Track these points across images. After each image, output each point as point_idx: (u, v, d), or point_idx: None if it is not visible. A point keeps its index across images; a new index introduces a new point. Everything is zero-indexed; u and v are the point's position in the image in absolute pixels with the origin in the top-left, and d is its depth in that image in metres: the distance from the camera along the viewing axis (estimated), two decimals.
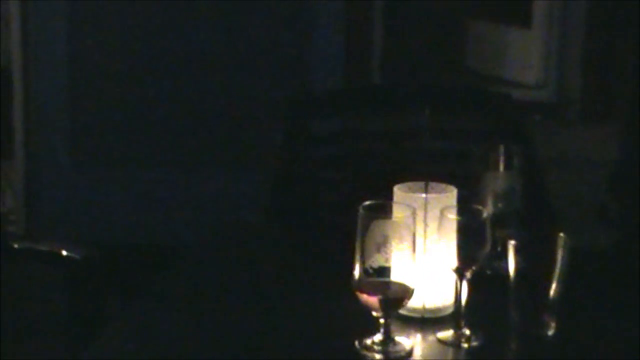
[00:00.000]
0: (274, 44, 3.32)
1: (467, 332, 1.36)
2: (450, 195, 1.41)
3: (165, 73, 3.31)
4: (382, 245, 1.31)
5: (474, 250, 1.33)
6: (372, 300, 1.31)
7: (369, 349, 1.33)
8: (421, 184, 1.44)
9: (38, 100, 3.30)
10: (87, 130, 3.32)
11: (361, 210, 1.32)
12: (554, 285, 1.35)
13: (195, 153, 3.34)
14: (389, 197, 1.42)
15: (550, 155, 3.06)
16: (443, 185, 1.43)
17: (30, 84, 3.29)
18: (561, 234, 1.35)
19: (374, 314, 1.32)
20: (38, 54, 3.27)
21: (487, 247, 1.33)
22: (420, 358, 1.35)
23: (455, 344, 1.36)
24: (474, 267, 1.34)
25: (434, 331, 1.38)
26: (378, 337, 1.33)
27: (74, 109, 3.31)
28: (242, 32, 3.31)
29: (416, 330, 1.40)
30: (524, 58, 4.11)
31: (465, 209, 1.36)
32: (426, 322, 1.41)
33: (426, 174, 1.47)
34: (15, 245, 1.91)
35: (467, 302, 1.35)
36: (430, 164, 2.05)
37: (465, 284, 1.35)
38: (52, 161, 3.31)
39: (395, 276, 1.32)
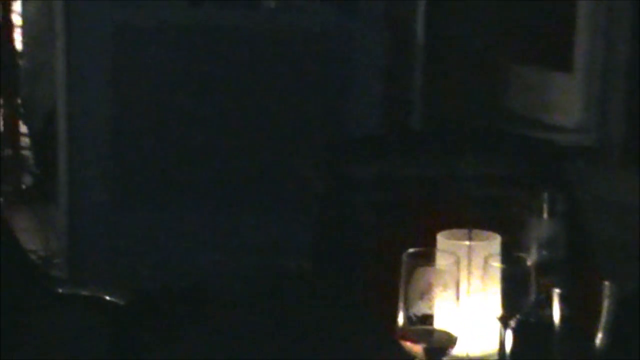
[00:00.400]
0: (313, 89, 3.34)
1: None
2: (493, 243, 1.41)
3: (206, 116, 3.34)
4: (426, 292, 1.31)
5: (518, 298, 1.32)
6: (416, 348, 1.31)
7: None
8: (464, 231, 1.44)
9: (81, 144, 3.33)
10: (129, 173, 3.35)
11: (405, 258, 1.31)
12: (599, 334, 1.33)
13: (236, 197, 3.36)
14: (432, 243, 1.42)
15: (593, 200, 3.04)
16: (486, 233, 1.43)
17: (74, 127, 3.32)
18: (606, 282, 1.34)
19: None
20: (81, 98, 3.30)
21: (532, 296, 1.32)
22: None
23: None
24: (518, 316, 1.33)
25: None
26: None
27: (116, 152, 3.34)
28: (281, 76, 3.33)
29: None
30: (565, 102, 4.10)
31: (509, 256, 1.35)
32: None
33: (468, 220, 1.46)
34: (60, 290, 1.93)
35: (511, 350, 1.34)
36: (473, 210, 2.04)
37: (509, 333, 1.34)
38: (94, 204, 3.33)
39: (439, 324, 1.31)
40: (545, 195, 1.56)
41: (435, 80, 4.00)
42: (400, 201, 2.12)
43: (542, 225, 1.54)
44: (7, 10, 4.53)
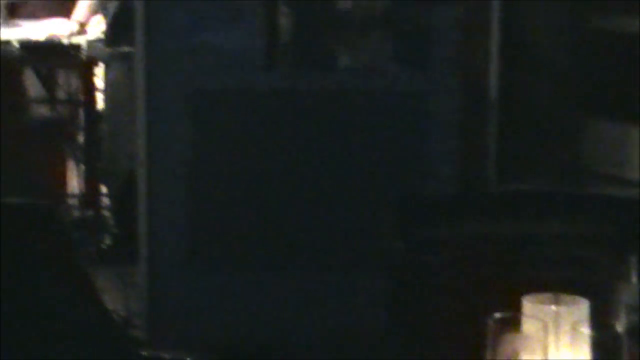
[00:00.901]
0: (388, 148, 3.35)
1: None
2: (581, 308, 1.38)
3: (282, 177, 3.36)
4: (512, 359, 1.29)
5: None
6: None
7: None
8: (550, 295, 1.41)
9: (160, 205, 3.37)
10: (207, 233, 3.38)
11: (490, 323, 1.30)
12: None
13: (311, 256, 3.36)
14: (515, 307, 1.40)
15: None
16: (573, 297, 1.40)
17: (153, 189, 3.37)
18: None
19: None
20: (160, 159, 3.35)
21: None
22: None
23: None
24: None
25: None
26: None
27: (195, 213, 3.37)
28: (356, 137, 3.35)
29: None
30: None
31: (598, 322, 1.33)
32: None
33: (552, 283, 1.44)
34: (143, 353, 1.94)
35: None
36: (556, 272, 2.01)
37: None
38: (174, 265, 3.36)
39: None
40: (634, 257, 1.53)
41: (510, 137, 3.97)
42: (480, 263, 2.09)
43: (631, 289, 1.51)
44: (90, 74, 4.64)
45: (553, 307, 1.39)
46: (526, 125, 4.17)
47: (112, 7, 4.52)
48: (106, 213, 4.58)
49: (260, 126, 3.34)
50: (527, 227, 2.05)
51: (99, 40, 4.52)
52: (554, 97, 3.97)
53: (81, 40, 4.48)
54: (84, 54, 4.48)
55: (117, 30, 4.48)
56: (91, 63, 4.58)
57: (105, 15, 4.54)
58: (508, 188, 3.56)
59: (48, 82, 5.20)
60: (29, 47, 4.45)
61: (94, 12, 4.58)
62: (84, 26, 4.50)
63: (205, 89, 3.32)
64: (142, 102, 3.35)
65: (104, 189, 4.64)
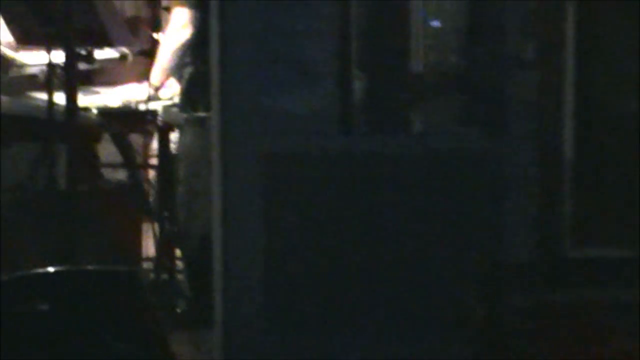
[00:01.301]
0: (465, 213, 3.33)
1: None
2: None
3: (359, 242, 3.36)
4: None
5: None
6: None
7: None
8: None
9: (235, 268, 3.38)
10: (283, 297, 3.38)
11: None
12: None
13: (391, 322, 3.34)
14: None
15: None
16: None
17: (228, 253, 3.38)
18: None
19: None
20: (235, 224, 3.37)
21: None
22: None
23: None
24: None
25: None
26: None
27: (270, 277, 3.38)
28: (432, 200, 3.34)
29: None
30: None
31: None
32: None
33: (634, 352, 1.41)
34: None
35: None
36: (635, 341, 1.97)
37: None
38: (249, 329, 3.36)
39: None
40: None
41: (586, 201, 3.92)
42: (558, 329, 2.07)
43: None
44: (166, 139, 4.71)
45: None
46: (602, 188, 4.12)
47: (187, 72, 4.60)
48: (181, 277, 4.61)
49: (335, 189, 3.35)
50: (604, 294, 2.02)
51: (174, 105, 4.60)
52: (630, 159, 3.91)
53: (157, 105, 4.56)
54: (159, 119, 4.55)
55: (192, 95, 4.55)
56: (166, 128, 4.64)
57: (180, 81, 4.62)
58: (585, 253, 3.50)
59: (124, 147, 5.29)
60: (106, 113, 4.53)
61: (169, 77, 4.66)
62: (159, 92, 4.57)
63: (280, 153, 3.34)
64: (218, 166, 3.38)
65: (178, 253, 4.68)
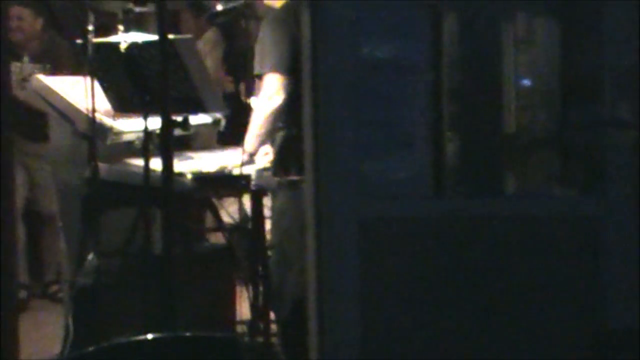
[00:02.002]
0: (563, 278, 3.28)
1: None
2: None
3: (457, 305, 3.33)
4: None
5: None
6: None
7: None
8: None
9: (330, 334, 3.38)
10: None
11: None
12: None
13: None
14: None
15: None
16: None
17: (324, 318, 3.38)
18: None
19: None
20: (330, 288, 3.37)
21: None
22: None
23: None
24: None
25: None
26: None
27: (367, 341, 3.36)
28: (528, 265, 3.30)
29: None
30: None
31: None
32: None
33: None
34: None
35: None
36: None
37: None
38: None
39: None
40: None
41: None
42: None
43: None
44: (259, 203, 4.76)
45: None
46: None
47: (279, 137, 4.66)
48: (275, 340, 4.62)
49: (430, 252, 3.34)
50: None
51: (267, 169, 4.65)
52: None
53: (250, 170, 4.61)
54: (253, 183, 4.60)
55: (284, 160, 4.60)
56: (260, 192, 4.69)
57: (273, 145, 4.68)
58: None
59: (218, 211, 5.35)
60: (201, 179, 4.60)
61: (262, 142, 4.72)
62: (252, 157, 4.63)
63: (374, 216, 3.34)
64: (312, 230, 3.39)
65: (273, 316, 4.69)
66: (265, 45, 4.59)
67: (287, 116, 4.63)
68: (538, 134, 3.58)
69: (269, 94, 4.60)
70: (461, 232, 3.32)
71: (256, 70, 4.63)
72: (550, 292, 3.28)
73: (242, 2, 5.23)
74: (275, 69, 4.62)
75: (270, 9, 5.06)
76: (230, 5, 5.36)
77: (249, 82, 5.06)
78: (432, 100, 3.38)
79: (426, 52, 3.37)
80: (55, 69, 6.20)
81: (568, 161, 3.45)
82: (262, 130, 4.62)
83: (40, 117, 5.36)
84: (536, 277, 3.29)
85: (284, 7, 4.92)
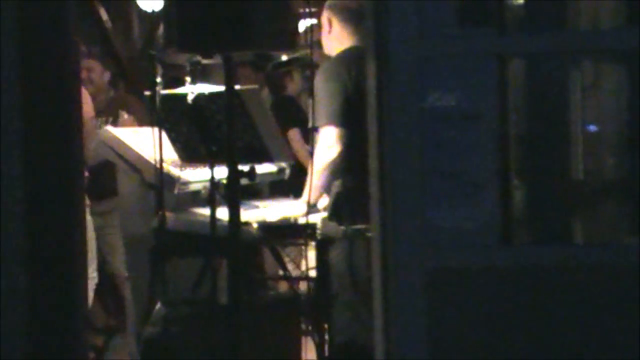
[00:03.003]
0: (633, 327, 3.22)
1: None
2: None
3: (523, 355, 3.29)
4: None
5: None
6: None
7: None
8: None
9: None
10: None
11: None
12: None
13: None
14: None
15: None
16: None
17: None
18: None
19: None
20: (398, 339, 3.35)
21: None
22: None
23: None
24: None
25: None
26: None
27: None
28: (599, 317, 3.25)
29: None
30: None
31: None
32: None
33: None
34: None
35: None
36: None
37: None
38: None
39: None
40: None
41: None
42: None
43: None
44: (323, 252, 4.76)
45: None
46: None
47: (337, 186, 4.69)
48: None
49: (498, 302, 3.30)
50: None
51: (330, 218, 4.66)
52: None
53: (313, 219, 4.63)
54: (318, 232, 4.61)
55: (349, 209, 4.61)
56: (325, 240, 4.70)
57: (329, 195, 4.71)
58: None
59: (283, 260, 5.37)
60: (266, 228, 4.63)
61: (322, 195, 4.75)
62: (314, 206, 4.65)
63: (442, 266, 3.32)
64: (378, 279, 3.38)
65: None
66: (319, 97, 4.64)
67: (345, 167, 4.67)
68: (606, 180, 3.55)
69: (325, 146, 4.66)
70: (529, 281, 3.28)
71: (311, 123, 4.69)
72: (622, 343, 3.22)
73: (305, 52, 5.29)
74: (330, 121, 4.68)
75: (326, 58, 5.12)
76: (295, 55, 5.42)
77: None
78: (498, 148, 3.36)
79: (492, 99, 3.36)
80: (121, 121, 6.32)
81: (638, 208, 3.41)
82: (320, 182, 4.68)
83: (109, 172, 5.43)
84: (607, 328, 3.23)
85: (337, 58, 4.98)
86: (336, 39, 5.01)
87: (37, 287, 3.23)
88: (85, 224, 3.32)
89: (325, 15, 5.07)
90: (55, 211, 3.27)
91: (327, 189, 4.70)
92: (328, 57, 5.10)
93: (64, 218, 3.27)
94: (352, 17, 5.00)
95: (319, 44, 5.16)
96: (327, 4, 5.12)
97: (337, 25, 5.01)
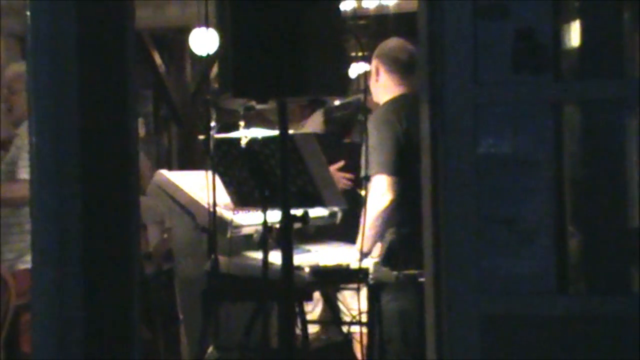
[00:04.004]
0: None
1: None
2: None
3: None
4: None
5: None
6: None
7: None
8: None
9: None
10: None
11: None
12: None
13: None
14: None
15: None
16: None
17: None
18: None
19: None
20: None
21: None
22: None
23: None
24: None
25: None
26: None
27: None
28: None
29: None
30: None
31: None
32: None
33: None
34: None
35: None
36: None
37: None
38: None
39: None
40: None
41: None
42: None
43: None
44: (377, 298, 4.74)
45: None
46: None
47: (391, 233, 4.69)
48: None
49: (553, 351, 3.26)
50: None
51: (383, 263, 4.65)
52: None
53: (366, 264, 4.62)
54: (370, 277, 4.60)
55: (401, 255, 4.60)
56: (377, 285, 4.68)
57: (383, 242, 4.70)
58: None
59: (335, 305, 5.35)
60: (319, 272, 4.62)
61: (375, 242, 4.75)
62: (367, 255, 4.65)
63: (496, 314, 3.28)
64: (432, 327, 3.36)
65: None
66: (371, 146, 4.65)
67: (398, 214, 4.67)
68: None
69: (378, 194, 4.67)
70: (585, 331, 3.24)
71: (363, 173, 4.69)
72: None
73: (358, 97, 5.31)
74: (382, 170, 4.69)
75: (376, 106, 5.13)
76: (347, 100, 5.44)
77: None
78: (554, 195, 3.34)
79: (547, 145, 3.34)
80: None
81: None
82: (373, 231, 4.69)
83: None
84: None
85: (387, 106, 4.99)
86: (383, 87, 5.03)
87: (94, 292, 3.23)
88: (139, 231, 3.36)
89: (374, 64, 5.09)
90: (111, 215, 3.29)
91: (380, 236, 4.70)
92: (377, 104, 5.12)
93: (120, 221, 3.29)
94: (399, 68, 5.02)
95: (369, 90, 5.18)
96: (375, 52, 5.14)
97: (384, 74, 5.03)
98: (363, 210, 4.71)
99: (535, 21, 3.30)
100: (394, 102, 4.97)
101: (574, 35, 3.42)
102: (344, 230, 5.20)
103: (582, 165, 3.48)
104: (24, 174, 4.89)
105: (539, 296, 3.27)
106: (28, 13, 3.23)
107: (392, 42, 5.15)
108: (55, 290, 3.22)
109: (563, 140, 3.37)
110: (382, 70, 5.04)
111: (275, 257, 4.05)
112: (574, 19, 3.44)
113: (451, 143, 3.27)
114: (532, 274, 3.27)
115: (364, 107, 5.37)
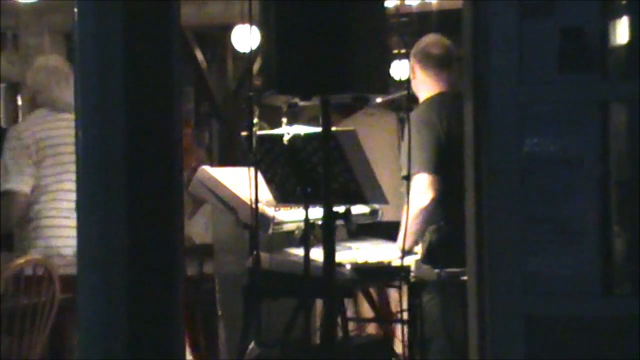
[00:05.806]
0: None
1: None
2: None
3: None
4: None
5: None
6: None
7: None
8: None
9: None
10: None
11: None
12: None
13: None
14: None
15: None
16: None
17: None
18: None
19: None
20: None
21: None
22: None
23: None
24: None
25: None
26: None
27: None
28: None
29: None
30: None
31: None
32: None
33: None
34: None
35: None
36: None
37: None
38: None
39: None
40: None
41: None
42: None
43: None
44: (418, 296, 4.73)
45: None
46: None
47: (431, 232, 4.68)
48: None
49: (596, 353, 3.23)
50: None
51: (424, 261, 4.64)
52: None
53: (409, 261, 4.61)
54: (412, 275, 4.59)
55: (443, 253, 4.59)
56: (419, 283, 4.67)
57: (423, 241, 4.69)
58: None
59: (375, 302, 5.35)
60: (360, 269, 4.62)
61: (416, 241, 4.75)
62: (408, 253, 4.64)
63: (540, 315, 3.26)
64: (474, 326, 3.34)
65: None
66: (411, 145, 4.64)
67: (440, 212, 4.66)
68: None
69: (419, 193, 4.67)
70: (630, 332, 3.21)
71: (403, 172, 4.68)
72: None
73: (400, 93, 5.30)
74: (423, 168, 4.69)
75: (415, 102, 5.12)
76: (389, 97, 5.43)
77: None
78: (599, 195, 3.31)
79: (593, 145, 3.31)
80: None
81: None
82: (414, 229, 4.68)
83: None
84: None
85: (427, 104, 4.98)
86: (421, 85, 5.04)
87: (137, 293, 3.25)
88: (183, 228, 3.37)
89: (410, 62, 5.09)
90: (156, 211, 3.30)
91: (421, 235, 4.69)
92: (417, 102, 5.11)
93: (165, 221, 3.30)
94: (433, 63, 5.01)
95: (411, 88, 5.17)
96: (412, 50, 5.13)
97: (419, 71, 5.04)
98: (405, 208, 4.70)
99: (582, 20, 3.27)
100: (434, 100, 4.96)
101: (621, 33, 3.38)
102: (386, 227, 5.20)
103: (628, 165, 3.44)
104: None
105: (583, 297, 3.24)
106: (75, 10, 3.25)
107: (426, 39, 5.16)
108: (100, 289, 3.24)
109: (609, 139, 3.34)
110: (417, 67, 5.05)
111: (317, 254, 4.05)
112: (621, 17, 3.41)
113: (495, 142, 3.25)
114: (576, 274, 3.25)
115: (405, 106, 5.36)
